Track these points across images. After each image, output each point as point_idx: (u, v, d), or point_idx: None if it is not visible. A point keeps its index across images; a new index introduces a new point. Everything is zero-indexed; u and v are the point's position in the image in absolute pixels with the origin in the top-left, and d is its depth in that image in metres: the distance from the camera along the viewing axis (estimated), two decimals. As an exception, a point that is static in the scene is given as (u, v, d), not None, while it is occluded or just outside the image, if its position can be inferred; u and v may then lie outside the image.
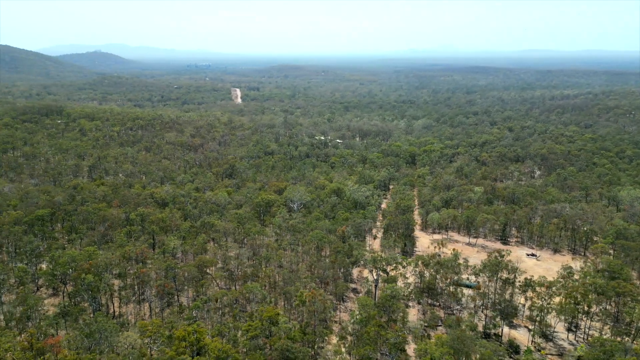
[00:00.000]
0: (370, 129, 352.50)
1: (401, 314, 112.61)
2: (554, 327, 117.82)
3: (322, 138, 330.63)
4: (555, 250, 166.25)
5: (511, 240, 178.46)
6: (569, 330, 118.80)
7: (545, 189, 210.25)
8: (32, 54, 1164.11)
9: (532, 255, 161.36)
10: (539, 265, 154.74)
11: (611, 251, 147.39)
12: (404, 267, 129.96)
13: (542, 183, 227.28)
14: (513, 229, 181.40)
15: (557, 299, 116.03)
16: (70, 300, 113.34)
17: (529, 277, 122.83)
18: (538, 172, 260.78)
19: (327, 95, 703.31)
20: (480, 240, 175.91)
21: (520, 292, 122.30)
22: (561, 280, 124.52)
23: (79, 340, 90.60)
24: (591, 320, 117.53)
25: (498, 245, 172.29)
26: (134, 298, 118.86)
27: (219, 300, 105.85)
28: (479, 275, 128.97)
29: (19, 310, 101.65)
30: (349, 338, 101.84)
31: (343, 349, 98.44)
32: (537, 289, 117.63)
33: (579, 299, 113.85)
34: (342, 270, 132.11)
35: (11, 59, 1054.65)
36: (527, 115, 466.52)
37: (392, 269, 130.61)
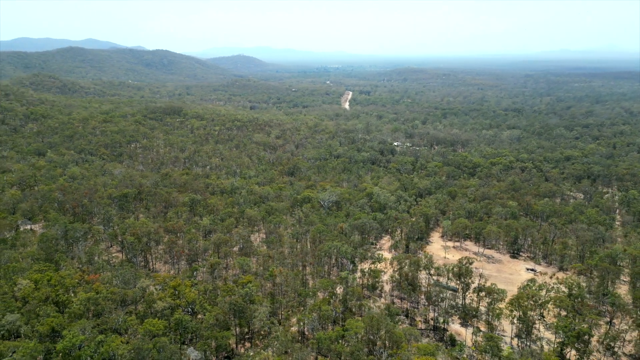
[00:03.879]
0: (445, 137, 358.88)
1: (359, 302, 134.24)
2: (503, 331, 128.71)
3: (396, 144, 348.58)
4: (561, 268, 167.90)
5: (523, 254, 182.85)
6: (517, 335, 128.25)
7: (584, 210, 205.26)
8: (185, 57, 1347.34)
9: (531, 270, 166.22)
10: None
11: (595, 272, 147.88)
12: (380, 262, 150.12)
13: (591, 204, 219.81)
14: (528, 243, 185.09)
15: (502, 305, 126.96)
16: (125, 255, 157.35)
17: (484, 284, 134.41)
18: (608, 193, 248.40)
19: (436, 100, 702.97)
20: (491, 252, 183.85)
21: (476, 296, 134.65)
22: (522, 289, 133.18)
23: (110, 279, 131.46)
24: (546, 330, 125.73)
25: (506, 257, 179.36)
26: (167, 258, 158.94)
27: (213, 266, 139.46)
28: (445, 276, 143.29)
29: (84, 256, 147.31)
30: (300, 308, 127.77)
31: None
32: (487, 295, 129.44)
33: (528, 308, 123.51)
34: (331, 259, 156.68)
35: (169, 62, 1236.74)
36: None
37: (372, 264, 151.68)
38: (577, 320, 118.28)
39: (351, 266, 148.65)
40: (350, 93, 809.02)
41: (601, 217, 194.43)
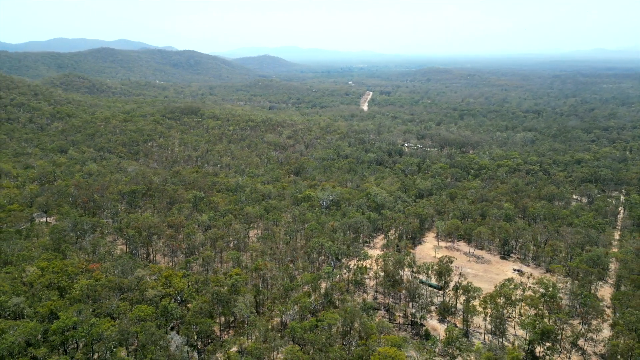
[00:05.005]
0: (455, 139, 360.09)
1: (341, 296, 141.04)
2: (479, 327, 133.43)
3: (406, 145, 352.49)
4: (548, 270, 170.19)
5: (514, 255, 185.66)
6: (492, 333, 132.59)
7: (581, 214, 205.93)
8: (211, 57, 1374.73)
9: (518, 270, 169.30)
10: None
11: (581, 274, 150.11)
12: (366, 259, 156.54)
13: (591, 208, 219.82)
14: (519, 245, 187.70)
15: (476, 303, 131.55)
16: (128, 247, 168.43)
17: (461, 282, 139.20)
18: (615, 197, 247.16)
19: (456, 101, 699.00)
20: (482, 252, 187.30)
21: (453, 294, 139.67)
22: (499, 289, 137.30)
23: (109, 269, 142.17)
24: (520, 328, 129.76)
25: (495, 258, 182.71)
26: (167, 251, 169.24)
27: (205, 259, 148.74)
28: (424, 274, 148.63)
29: (90, 247, 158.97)
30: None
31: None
32: (464, 292, 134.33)
33: (500, 305, 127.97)
34: (320, 255, 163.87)
35: (195, 63, 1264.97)
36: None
37: (359, 261, 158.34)
38: (545, 320, 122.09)
39: (335, 262, 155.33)
40: (371, 93, 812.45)
41: (596, 220, 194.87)
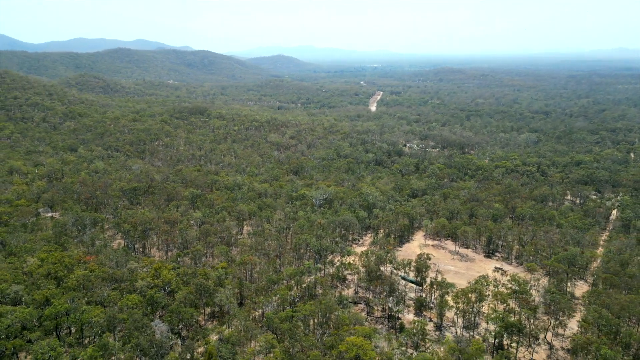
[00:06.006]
0: (456, 140, 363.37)
1: (323, 291, 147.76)
2: (454, 322, 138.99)
3: (408, 146, 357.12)
4: (530, 269, 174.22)
5: (499, 254, 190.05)
6: (465, 327, 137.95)
7: (569, 215, 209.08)
8: (225, 57, 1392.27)
9: (499, 269, 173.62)
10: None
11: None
12: (349, 255, 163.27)
13: (581, 209, 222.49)
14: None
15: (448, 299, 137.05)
16: (125, 241, 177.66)
17: (436, 278, 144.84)
18: (611, 199, 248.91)
19: (466, 101, 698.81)
20: (467, 251, 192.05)
21: (430, 289, 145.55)
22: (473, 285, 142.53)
23: (104, 260, 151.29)
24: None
25: (479, 256, 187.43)
26: (161, 246, 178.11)
27: (194, 253, 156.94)
28: (402, 270, 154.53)
29: (89, 241, 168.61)
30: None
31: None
32: (438, 288, 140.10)
33: (470, 300, 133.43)
34: (306, 251, 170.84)
35: (209, 63, 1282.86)
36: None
37: (342, 257, 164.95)
38: (514, 315, 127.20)
39: (319, 258, 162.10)
40: (381, 94, 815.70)
41: (582, 221, 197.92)
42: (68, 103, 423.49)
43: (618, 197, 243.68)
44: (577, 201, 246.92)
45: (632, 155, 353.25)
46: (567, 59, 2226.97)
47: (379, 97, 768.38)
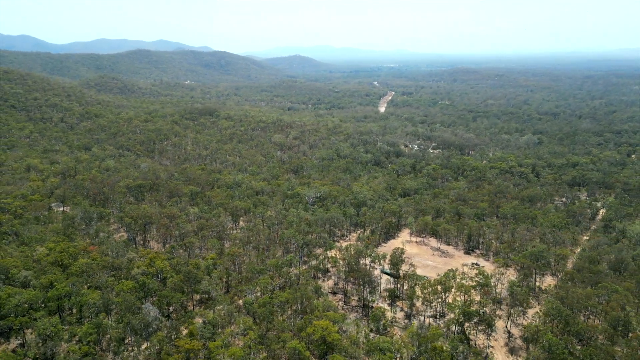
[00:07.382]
0: (455, 141, 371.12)
1: (306, 280, 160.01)
2: (424, 311, 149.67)
3: (409, 147, 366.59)
4: (507, 265, 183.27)
5: (478, 251, 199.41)
6: (433, 316, 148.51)
7: (548, 214, 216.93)
8: (242, 58, 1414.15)
9: (476, 264, 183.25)
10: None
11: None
12: (331, 249, 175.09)
13: (565, 209, 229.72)
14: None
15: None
16: (127, 234, 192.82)
17: (407, 271, 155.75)
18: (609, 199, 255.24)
19: (476, 102, 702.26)
20: (448, 247, 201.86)
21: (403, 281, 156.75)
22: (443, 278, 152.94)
23: (106, 251, 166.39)
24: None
25: (459, 253, 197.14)
26: (160, 239, 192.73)
27: (187, 245, 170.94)
28: (378, 263, 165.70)
29: (94, 233, 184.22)
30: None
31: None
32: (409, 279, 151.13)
33: (438, 292, 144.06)
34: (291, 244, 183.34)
35: (226, 63, 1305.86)
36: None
37: (325, 251, 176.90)
38: (475, 305, 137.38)
39: (302, 252, 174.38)
40: (392, 94, 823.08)
41: (561, 221, 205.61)
42: (85, 104, 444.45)
43: (606, 199, 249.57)
44: (566, 202, 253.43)
45: (633, 157, 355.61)
46: (588, 58, 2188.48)
47: (389, 98, 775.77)
